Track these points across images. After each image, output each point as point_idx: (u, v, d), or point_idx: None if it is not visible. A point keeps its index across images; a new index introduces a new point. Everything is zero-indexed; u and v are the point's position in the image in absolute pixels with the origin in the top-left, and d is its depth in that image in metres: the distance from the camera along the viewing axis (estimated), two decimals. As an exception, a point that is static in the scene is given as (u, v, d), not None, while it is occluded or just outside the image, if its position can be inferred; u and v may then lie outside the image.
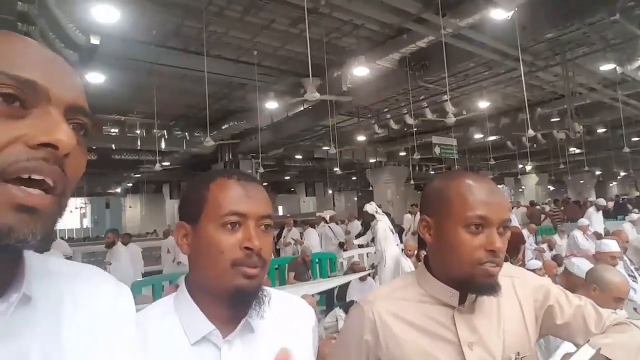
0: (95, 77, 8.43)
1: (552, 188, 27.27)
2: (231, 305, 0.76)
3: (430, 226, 0.93)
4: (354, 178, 23.66)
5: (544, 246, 7.13)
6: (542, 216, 11.54)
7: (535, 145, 14.74)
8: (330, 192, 25.23)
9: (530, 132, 8.15)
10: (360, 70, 8.33)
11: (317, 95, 5.60)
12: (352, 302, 4.61)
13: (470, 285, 0.88)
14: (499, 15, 6.01)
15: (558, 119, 12.35)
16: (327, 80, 8.78)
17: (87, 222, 23.82)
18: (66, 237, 16.52)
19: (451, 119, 7.39)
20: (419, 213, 1.04)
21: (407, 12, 6.18)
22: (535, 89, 10.51)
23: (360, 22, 7.02)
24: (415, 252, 5.64)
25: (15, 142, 0.43)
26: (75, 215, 23.45)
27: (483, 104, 11.24)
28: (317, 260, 7.14)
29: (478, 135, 14.25)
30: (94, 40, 6.28)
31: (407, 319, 0.91)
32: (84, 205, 23.46)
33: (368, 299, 0.96)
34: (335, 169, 13.87)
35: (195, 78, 7.86)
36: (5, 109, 0.43)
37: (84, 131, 0.51)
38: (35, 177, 0.44)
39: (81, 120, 0.50)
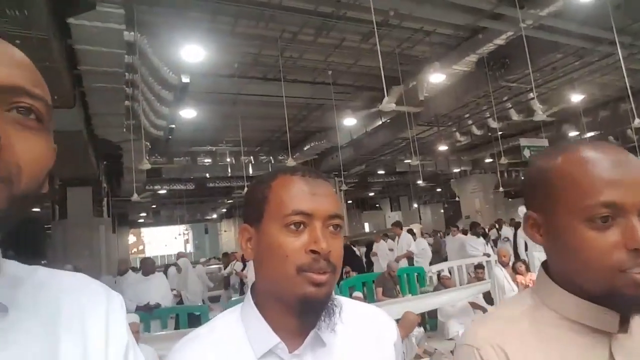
0: (189, 113, 9.27)
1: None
2: (298, 315, 0.69)
3: (539, 224, 0.68)
4: (438, 190, 22.92)
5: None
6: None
7: (645, 137, 13.17)
8: (415, 205, 24.63)
9: (638, 122, 7.32)
10: (436, 77, 8.17)
11: (392, 106, 5.59)
12: None
13: (614, 301, 0.61)
14: (584, -2, 5.59)
15: (671, 105, 10.95)
16: (404, 91, 8.73)
17: (189, 247, 25.85)
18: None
19: (540, 117, 6.90)
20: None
21: (480, 10, 5.99)
22: (638, 74, 9.46)
23: (432, 28, 6.93)
24: (511, 261, 5.29)
25: None
26: (179, 241, 25.59)
27: (576, 98, 10.34)
28: (405, 275, 6.98)
29: (573, 133, 13.08)
30: (185, 79, 6.95)
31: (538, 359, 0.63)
32: (186, 232, 25.53)
33: (478, 334, 0.67)
34: (419, 182, 13.59)
35: (276, 103, 8.29)
36: None
37: (36, 115, 0.47)
38: None
39: (26, 102, 0.46)
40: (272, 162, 13.50)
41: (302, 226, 0.68)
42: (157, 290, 5.27)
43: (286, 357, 0.68)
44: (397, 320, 4.49)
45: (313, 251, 0.66)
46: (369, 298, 6.43)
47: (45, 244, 14.26)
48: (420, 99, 8.98)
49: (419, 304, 5.15)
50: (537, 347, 0.63)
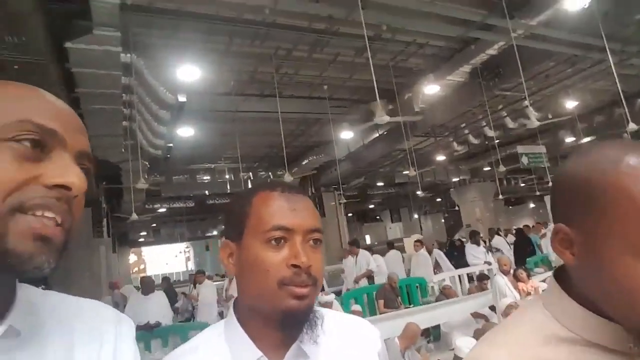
0: (186, 132, 9.33)
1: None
2: (280, 328, 0.70)
3: (572, 241, 0.57)
4: (438, 199, 22.92)
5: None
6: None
7: (641, 140, 13.21)
8: (416, 216, 24.60)
9: (632, 126, 7.38)
10: (430, 89, 8.26)
11: (386, 119, 5.63)
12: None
13: None
14: (573, 5, 5.67)
15: (665, 108, 11.01)
16: (399, 103, 8.81)
17: (190, 265, 25.71)
18: (174, 279, 17.84)
19: (534, 124, 6.96)
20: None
21: (471, 21, 6.09)
22: (630, 79, 9.55)
23: (424, 41, 7.03)
24: (512, 269, 5.28)
25: (33, 181, 0.48)
26: (180, 259, 25.46)
27: (570, 104, 10.45)
28: (406, 286, 6.95)
29: (569, 139, 13.17)
30: (181, 98, 7.03)
31: None
32: (187, 250, 25.42)
33: (487, 355, 0.60)
34: (418, 192, 13.61)
35: (273, 119, 8.34)
36: (29, 152, 0.49)
37: (87, 175, 0.55)
38: (47, 214, 0.48)
39: (86, 165, 0.56)
40: (271, 177, 13.53)
41: (282, 241, 0.69)
42: (157, 309, 5.25)
43: None
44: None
45: (294, 265, 0.68)
46: (370, 310, 6.40)
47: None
48: (416, 111, 9.06)
49: (423, 317, 5.09)
50: None
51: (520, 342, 0.59)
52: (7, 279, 0.51)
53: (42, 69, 4.16)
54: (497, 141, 10.91)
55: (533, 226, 11.32)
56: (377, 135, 11.01)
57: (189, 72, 6.50)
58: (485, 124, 10.98)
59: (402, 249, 9.91)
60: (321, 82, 8.24)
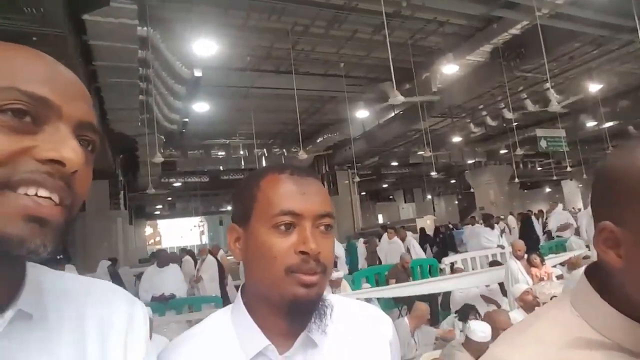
0: (202, 107, 9.35)
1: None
2: (288, 317, 0.68)
3: (620, 241, 0.52)
4: (453, 181, 22.74)
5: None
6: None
7: (667, 127, 12.85)
8: (429, 197, 24.51)
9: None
10: (449, 69, 8.09)
11: (401, 99, 5.55)
12: (468, 308, 4.42)
13: None
14: (602, -15, 5.46)
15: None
16: (416, 83, 8.66)
17: (205, 239, 26.23)
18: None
19: (556, 107, 6.79)
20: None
21: None
22: (659, 63, 9.23)
23: (445, 19, 6.85)
24: (526, 253, 5.23)
25: (23, 155, 0.43)
26: (195, 232, 25.97)
27: (594, 87, 10.13)
28: (418, 266, 6.98)
29: (591, 123, 12.84)
30: (197, 73, 7.02)
31: None
32: (202, 224, 25.88)
33: (509, 357, 0.56)
34: (432, 173, 13.53)
35: (288, 96, 8.31)
36: (15, 123, 0.43)
37: (92, 147, 0.51)
38: (41, 193, 0.43)
39: (89, 136, 0.50)
40: (285, 154, 13.54)
41: (291, 227, 0.66)
42: (172, 281, 5.38)
43: (276, 359, 0.67)
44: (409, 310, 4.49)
45: (302, 252, 0.64)
46: (381, 290, 6.47)
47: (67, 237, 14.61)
48: (433, 91, 8.91)
49: (431, 286, 5.19)
50: None
51: (544, 343, 0.55)
52: (12, 261, 0.46)
53: (60, 41, 4.17)
54: (515, 124, 10.68)
55: (539, 211, 11.18)
56: (393, 114, 10.90)
57: (205, 46, 6.46)
58: (503, 105, 10.77)
59: (414, 230, 9.93)
60: (338, 60, 8.13)
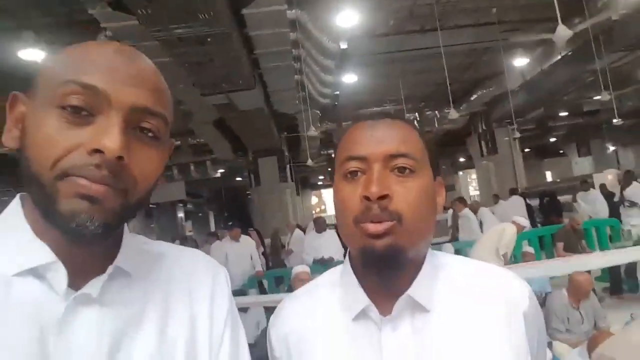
0: (350, 78, 9.71)
1: None
2: (374, 273, 0.63)
3: None
4: (646, 127, 18.80)
5: None
6: None
7: None
8: (612, 148, 20.82)
9: None
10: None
11: (569, 33, 4.78)
12: None
13: None
14: None
15: None
16: (588, 14, 7.42)
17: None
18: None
19: None
20: None
21: None
22: None
23: None
24: None
25: (77, 148, 0.47)
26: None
27: None
28: (593, 228, 6.15)
29: None
30: (343, 45, 7.30)
31: None
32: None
33: None
34: (614, 120, 11.52)
35: (436, 55, 8.02)
36: (74, 117, 0.47)
37: (153, 133, 0.52)
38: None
39: (148, 122, 0.51)
40: (438, 116, 13.12)
41: (358, 173, 0.62)
42: (329, 245, 5.90)
43: (378, 320, 0.62)
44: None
45: (366, 198, 0.59)
46: (546, 254, 5.95)
47: (248, 208, 17.06)
48: (614, 19, 7.50)
49: (604, 259, 4.49)
50: None
51: None
52: (105, 234, 0.50)
53: (227, 38, 4.84)
54: None
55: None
56: (559, 57, 9.54)
57: (348, 17, 6.64)
58: None
59: (591, 186, 8.73)
60: (489, 5, 7.48)
